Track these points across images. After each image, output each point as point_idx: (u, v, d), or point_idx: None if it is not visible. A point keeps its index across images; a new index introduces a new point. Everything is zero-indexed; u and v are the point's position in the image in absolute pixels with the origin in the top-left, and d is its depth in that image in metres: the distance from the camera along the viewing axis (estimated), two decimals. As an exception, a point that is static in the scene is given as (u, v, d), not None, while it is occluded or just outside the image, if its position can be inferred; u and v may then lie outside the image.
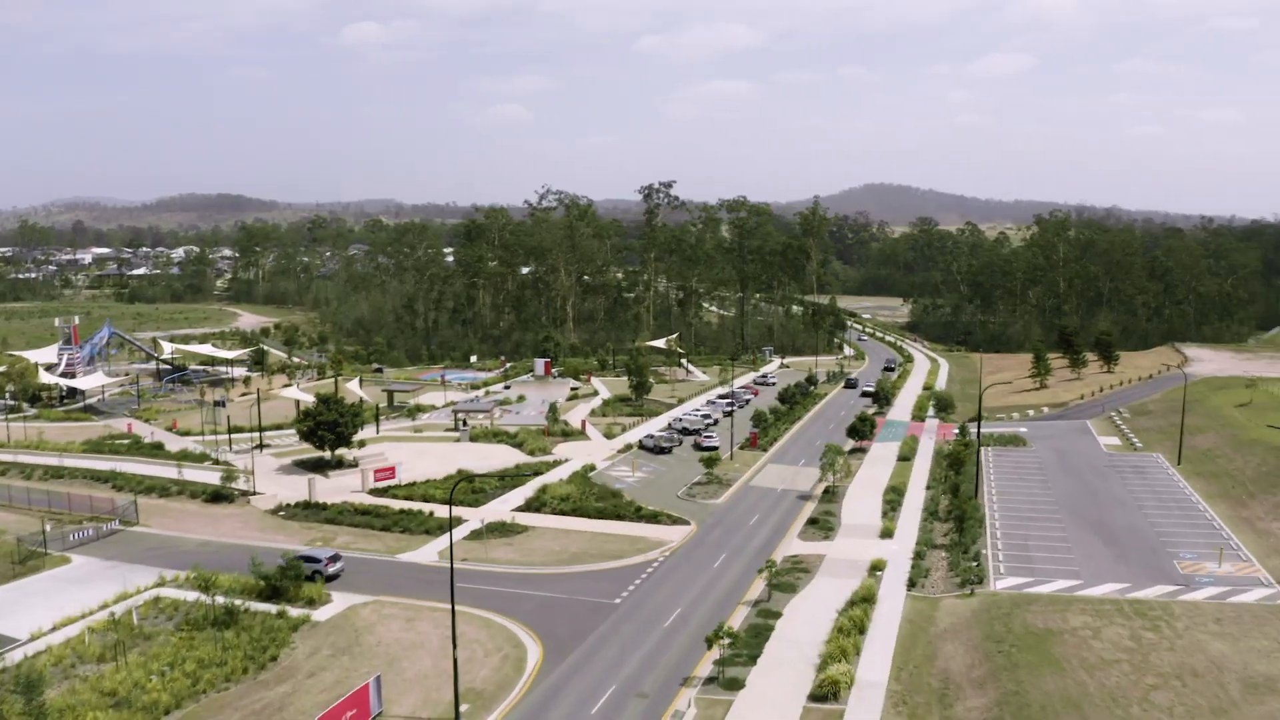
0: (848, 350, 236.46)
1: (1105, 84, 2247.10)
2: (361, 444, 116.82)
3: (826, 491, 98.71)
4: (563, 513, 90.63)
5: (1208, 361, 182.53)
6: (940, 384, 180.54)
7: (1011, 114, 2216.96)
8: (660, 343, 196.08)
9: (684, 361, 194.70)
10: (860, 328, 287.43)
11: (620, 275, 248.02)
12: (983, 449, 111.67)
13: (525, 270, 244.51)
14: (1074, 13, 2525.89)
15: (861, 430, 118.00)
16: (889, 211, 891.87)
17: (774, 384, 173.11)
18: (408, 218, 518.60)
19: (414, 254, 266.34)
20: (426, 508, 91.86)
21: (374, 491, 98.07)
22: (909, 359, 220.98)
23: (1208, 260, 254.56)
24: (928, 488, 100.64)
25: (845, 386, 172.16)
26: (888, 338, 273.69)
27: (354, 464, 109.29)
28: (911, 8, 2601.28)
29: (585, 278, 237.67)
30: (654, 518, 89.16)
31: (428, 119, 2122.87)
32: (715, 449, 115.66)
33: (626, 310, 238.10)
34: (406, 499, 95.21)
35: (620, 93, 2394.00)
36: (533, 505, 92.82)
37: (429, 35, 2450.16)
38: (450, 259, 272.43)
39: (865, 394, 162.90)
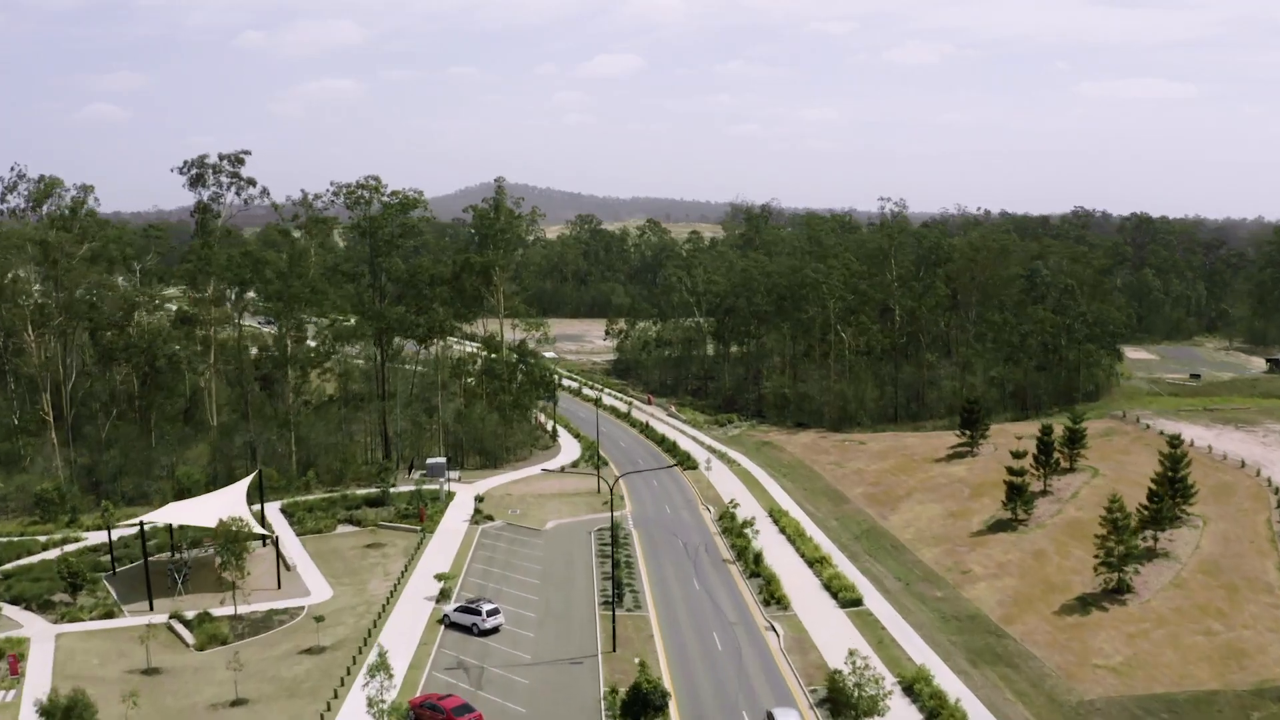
0: (566, 449, 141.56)
1: (709, 84, 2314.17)
2: None
3: None
4: None
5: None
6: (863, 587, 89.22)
7: (621, 113, 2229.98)
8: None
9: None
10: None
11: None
12: None
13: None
14: (681, 15, 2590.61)
15: None
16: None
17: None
18: None
19: None
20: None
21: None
22: (686, 461, 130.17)
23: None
24: None
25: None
26: (602, 395, 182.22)
27: None
28: (522, 9, 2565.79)
29: (95, 333, 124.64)
30: None
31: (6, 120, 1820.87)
32: None
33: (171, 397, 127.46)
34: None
35: (223, 90, 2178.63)
36: None
37: (14, 29, 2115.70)
38: None
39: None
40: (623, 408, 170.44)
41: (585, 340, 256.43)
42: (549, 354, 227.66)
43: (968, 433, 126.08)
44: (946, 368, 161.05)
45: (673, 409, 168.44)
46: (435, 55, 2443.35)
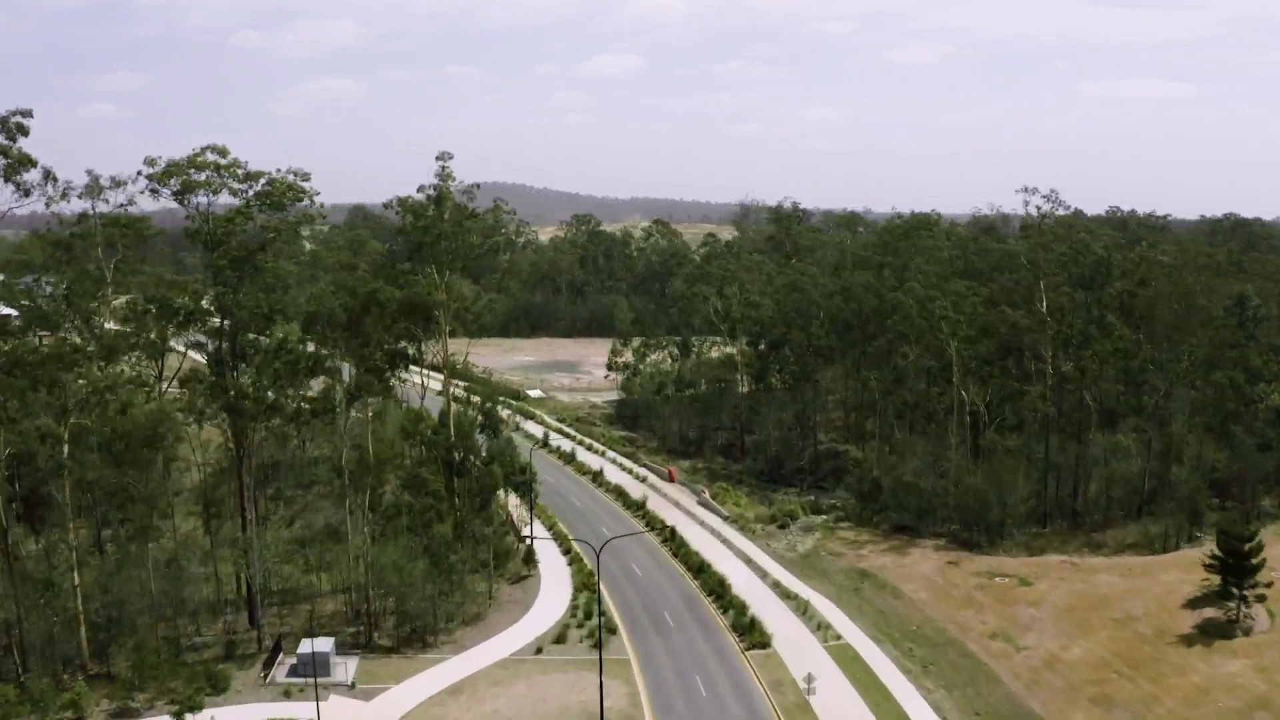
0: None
1: (709, 84, 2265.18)
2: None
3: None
4: None
5: None
6: None
7: (620, 114, 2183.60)
8: None
9: None
10: (533, 429, 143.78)
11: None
12: None
13: None
14: (681, 15, 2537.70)
15: None
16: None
17: None
18: None
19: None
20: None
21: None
22: (753, 633, 78.36)
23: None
24: None
25: None
26: (604, 467, 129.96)
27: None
28: (521, 9, 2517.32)
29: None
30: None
31: None
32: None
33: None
34: None
35: (223, 90, 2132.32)
36: None
37: (14, 29, 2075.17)
38: None
39: None
40: (635, 490, 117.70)
41: (582, 370, 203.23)
42: (535, 392, 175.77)
43: (1234, 590, 73.91)
44: (1106, 441, 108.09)
45: (707, 494, 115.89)
46: (435, 55, 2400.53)
